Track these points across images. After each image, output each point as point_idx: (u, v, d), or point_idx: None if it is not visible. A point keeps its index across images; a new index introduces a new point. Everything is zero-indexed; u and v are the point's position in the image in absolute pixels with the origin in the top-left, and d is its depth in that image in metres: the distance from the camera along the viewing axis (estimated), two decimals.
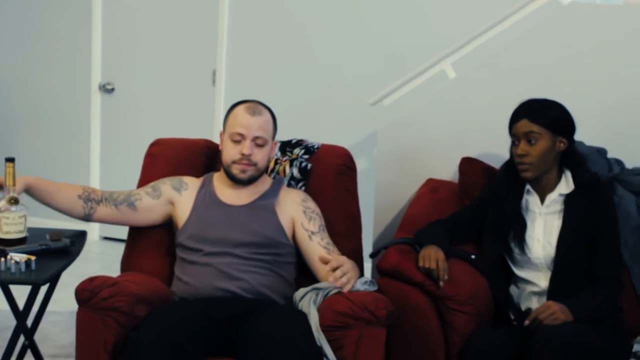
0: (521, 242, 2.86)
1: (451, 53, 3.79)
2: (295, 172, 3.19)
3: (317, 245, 2.87)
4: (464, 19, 4.47)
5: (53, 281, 2.99)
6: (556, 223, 2.84)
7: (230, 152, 2.86)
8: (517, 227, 2.87)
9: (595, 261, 2.77)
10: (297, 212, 2.93)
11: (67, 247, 2.87)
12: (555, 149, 2.81)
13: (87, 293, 2.47)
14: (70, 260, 2.82)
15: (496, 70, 3.56)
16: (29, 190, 2.86)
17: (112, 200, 2.92)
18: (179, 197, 2.95)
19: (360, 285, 2.65)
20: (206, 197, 2.94)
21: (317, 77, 5.08)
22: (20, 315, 2.86)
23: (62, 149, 5.98)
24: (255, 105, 2.89)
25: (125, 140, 5.76)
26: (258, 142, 2.85)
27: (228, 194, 2.93)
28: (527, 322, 2.62)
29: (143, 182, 3.14)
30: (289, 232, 2.91)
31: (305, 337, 2.48)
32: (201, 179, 3.04)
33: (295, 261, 2.94)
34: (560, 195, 2.84)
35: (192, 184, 3.00)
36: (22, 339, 3.10)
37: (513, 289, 2.92)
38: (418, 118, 3.70)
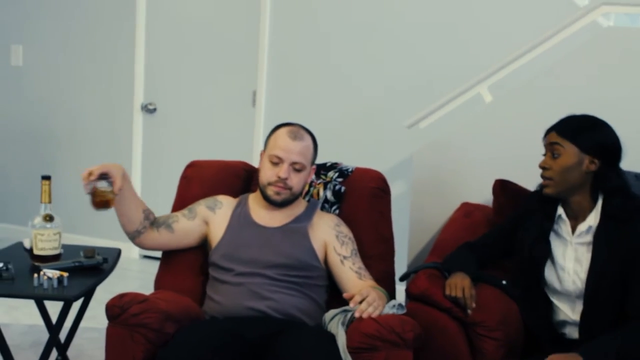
0: (551, 268, 2.76)
1: (488, 76, 3.77)
2: (329, 195, 3.19)
3: (348, 270, 2.88)
4: (501, 42, 4.44)
5: (86, 297, 3.03)
6: (586, 256, 2.70)
7: (267, 173, 2.88)
8: (543, 251, 2.76)
9: (628, 300, 2.60)
10: (329, 236, 2.94)
11: (100, 264, 2.91)
12: (581, 168, 2.65)
13: (117, 309, 2.49)
14: (102, 277, 2.86)
15: (532, 94, 3.54)
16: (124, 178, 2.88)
17: (156, 223, 2.96)
18: (214, 215, 2.97)
19: (388, 309, 2.64)
20: (241, 217, 2.96)
21: (355, 100, 5.08)
22: (52, 329, 2.89)
23: None
24: (297, 130, 2.90)
25: (166, 160, 5.81)
26: (296, 167, 2.86)
27: (262, 216, 2.95)
28: None
29: (178, 203, 3.18)
30: (320, 255, 2.91)
31: (332, 358, 2.47)
32: (237, 199, 3.06)
33: (326, 284, 2.95)
34: (590, 227, 2.69)
35: (227, 203, 3.02)
36: (55, 354, 3.15)
37: (548, 313, 2.82)
38: (454, 141, 3.69)
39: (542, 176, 2.71)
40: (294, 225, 2.93)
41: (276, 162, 2.85)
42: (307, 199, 3.17)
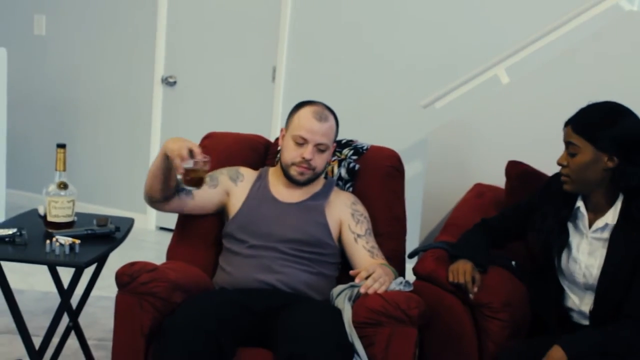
0: (559, 256, 2.72)
1: (505, 58, 3.77)
2: (343, 172, 3.20)
3: (361, 248, 2.89)
4: (521, 24, 4.42)
5: (99, 265, 3.05)
6: (601, 251, 2.63)
7: (291, 154, 2.88)
8: (559, 240, 2.71)
9: (627, 298, 2.54)
10: (345, 214, 2.95)
11: (112, 232, 2.93)
12: (599, 166, 2.53)
13: (126, 277, 2.52)
14: (114, 245, 2.88)
15: (550, 77, 3.52)
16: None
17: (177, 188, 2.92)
18: (235, 187, 2.98)
19: (395, 286, 2.65)
20: (260, 191, 2.97)
21: (373, 78, 5.09)
22: (63, 295, 2.92)
23: (123, 139, 6.10)
24: (322, 110, 2.89)
25: (185, 133, 5.73)
26: (320, 148, 2.87)
27: (281, 191, 2.96)
28: None
29: None
30: (335, 233, 2.93)
31: (337, 332, 2.50)
32: (258, 171, 3.08)
33: (338, 262, 2.96)
34: (607, 224, 2.61)
35: (248, 175, 3.03)
36: (67, 320, 3.19)
37: (558, 297, 2.79)
38: (469, 122, 3.69)
39: (561, 172, 2.63)
40: (311, 203, 2.95)
41: (301, 142, 2.85)
42: (322, 176, 3.18)
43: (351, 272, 2.72)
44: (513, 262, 2.88)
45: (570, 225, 2.72)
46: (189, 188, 2.74)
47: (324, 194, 2.99)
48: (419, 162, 4.44)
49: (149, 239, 5.74)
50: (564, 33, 3.64)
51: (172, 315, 2.50)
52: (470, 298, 2.67)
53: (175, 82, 5.87)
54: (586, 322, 2.71)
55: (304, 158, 2.84)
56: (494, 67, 3.79)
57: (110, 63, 6.04)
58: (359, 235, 2.92)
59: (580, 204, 2.68)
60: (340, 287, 2.71)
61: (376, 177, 3.21)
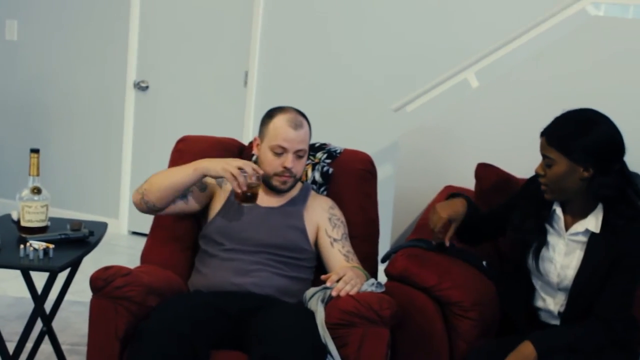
0: (536, 256, 2.74)
1: (475, 62, 3.82)
2: (317, 176, 3.23)
3: (337, 253, 2.92)
4: (490, 29, 4.48)
5: (72, 270, 3.07)
6: (577, 253, 2.66)
7: (272, 164, 2.89)
8: (537, 240, 2.73)
9: (600, 298, 2.58)
10: (323, 218, 2.97)
11: (86, 237, 2.95)
12: (576, 176, 2.53)
13: (101, 282, 2.53)
14: (88, 250, 2.90)
15: (519, 81, 3.58)
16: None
17: None
18: (220, 190, 3.00)
19: (367, 287, 2.69)
20: None
21: (344, 83, 5.13)
22: (37, 300, 2.93)
23: (95, 144, 6.09)
24: (295, 117, 2.89)
25: (157, 138, 5.85)
26: (299, 154, 2.89)
27: (260, 196, 2.91)
28: None
29: None
30: (312, 237, 2.96)
31: (310, 334, 2.52)
32: None
33: (314, 265, 2.99)
34: (588, 230, 2.62)
35: None
36: (41, 325, 3.19)
37: (528, 297, 2.84)
38: (440, 125, 3.74)
39: (539, 182, 2.64)
40: (290, 208, 2.97)
41: (280, 152, 2.86)
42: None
43: (322, 277, 2.74)
44: (484, 262, 2.92)
45: (547, 226, 2.75)
46: (245, 205, 2.82)
47: (302, 198, 3.02)
48: (390, 165, 4.49)
49: (122, 244, 5.73)
50: (532, 37, 3.70)
51: (147, 318, 2.51)
52: (439, 238, 2.79)
53: (147, 87, 5.88)
54: (555, 322, 2.76)
55: (285, 167, 2.86)
56: (463, 71, 3.84)
57: (82, 68, 6.03)
58: (335, 240, 2.94)
59: (556, 206, 2.70)
60: (312, 289, 2.73)
61: (350, 180, 3.25)
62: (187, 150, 3.27)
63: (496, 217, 2.91)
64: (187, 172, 2.80)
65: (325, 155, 3.28)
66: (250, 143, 3.20)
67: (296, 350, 2.42)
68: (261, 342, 2.46)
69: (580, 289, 2.65)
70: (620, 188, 2.54)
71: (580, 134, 2.50)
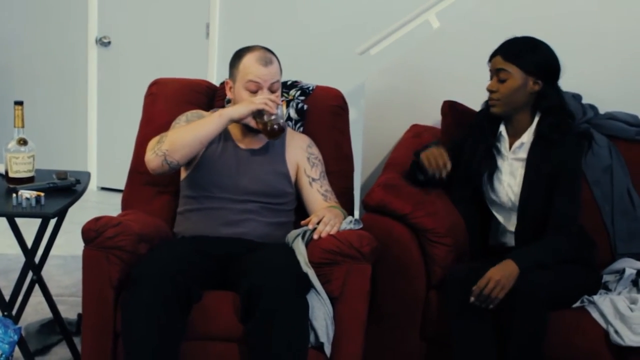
0: (491, 181, 2.96)
1: (435, 3, 3.91)
2: (292, 113, 3.26)
3: (316, 192, 2.97)
4: None
5: (59, 219, 3.14)
6: (520, 171, 2.92)
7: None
8: (488, 165, 2.96)
9: (550, 211, 2.83)
10: (302, 158, 3.01)
11: (73, 185, 3.02)
12: (526, 90, 2.84)
13: (92, 232, 2.59)
14: (77, 196, 2.96)
15: (479, 21, 3.68)
16: None
17: None
18: None
19: (346, 225, 2.78)
20: (222, 136, 2.95)
21: (307, 31, 5.23)
22: (30, 249, 2.99)
23: (60, 102, 6.10)
24: (264, 54, 2.89)
25: (122, 93, 5.88)
26: (273, 89, 2.88)
27: (240, 137, 2.98)
28: (472, 299, 2.64)
29: (145, 121, 3.25)
30: (293, 179, 3.00)
31: (294, 265, 2.64)
32: (210, 113, 3.00)
33: (296, 206, 3.04)
34: (522, 143, 2.91)
35: None
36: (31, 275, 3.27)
37: (488, 224, 3.05)
38: (403, 67, 3.82)
39: (490, 98, 2.89)
40: (272, 150, 2.98)
41: (254, 89, 2.85)
42: None
43: (302, 222, 2.81)
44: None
45: (494, 151, 2.98)
46: (273, 139, 2.85)
47: (281, 137, 2.96)
48: (357, 107, 4.58)
49: (92, 199, 5.77)
50: None
51: (140, 264, 2.58)
52: (442, 176, 2.89)
53: (109, 43, 5.90)
54: (512, 243, 2.96)
55: None
56: (424, 12, 3.94)
57: (43, 27, 6.02)
58: (313, 179, 2.99)
59: (502, 128, 2.95)
60: (294, 232, 2.82)
61: (324, 117, 3.30)
62: (160, 92, 3.29)
63: (454, 153, 3.04)
64: (212, 122, 2.78)
65: (298, 92, 3.33)
66: (222, 84, 3.20)
67: (281, 278, 2.51)
68: (247, 274, 2.54)
69: (526, 204, 2.88)
70: (559, 102, 2.89)
71: (532, 51, 2.85)
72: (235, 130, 2.99)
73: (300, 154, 3.02)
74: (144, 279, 2.49)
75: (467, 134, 3.07)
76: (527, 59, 2.83)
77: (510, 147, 2.95)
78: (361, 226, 2.82)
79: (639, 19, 3.52)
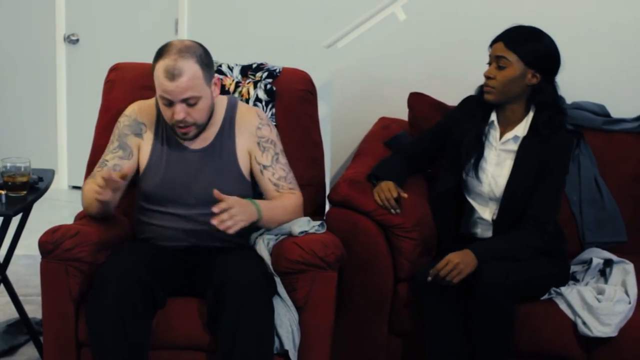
0: (475, 169, 2.91)
1: None
2: (261, 93, 3.17)
3: (267, 182, 2.76)
4: None
5: (23, 216, 3.10)
6: (507, 162, 2.88)
7: (165, 115, 2.63)
8: (475, 151, 2.91)
9: (531, 205, 2.81)
10: (252, 143, 2.76)
11: (35, 182, 2.98)
12: (524, 81, 2.79)
13: (50, 245, 2.51)
14: (39, 195, 2.93)
15: (444, 13, 3.67)
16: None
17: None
18: (142, 141, 2.76)
19: (306, 227, 2.71)
20: (164, 138, 2.75)
21: (274, 25, 5.22)
22: None
23: (29, 101, 6.04)
24: (173, 65, 2.51)
25: (91, 91, 5.79)
26: (190, 102, 2.57)
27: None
28: (429, 278, 2.65)
29: (103, 109, 3.16)
30: (246, 171, 2.79)
31: (260, 264, 2.60)
32: (153, 109, 2.78)
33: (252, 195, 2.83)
34: (517, 137, 2.86)
35: (148, 120, 2.77)
36: None
37: (463, 213, 3.01)
38: (371, 59, 3.82)
39: (485, 84, 2.83)
40: (221, 144, 2.75)
41: (167, 103, 2.57)
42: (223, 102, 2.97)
43: (215, 192, 2.51)
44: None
45: (484, 138, 2.94)
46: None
47: (229, 122, 2.77)
48: (324, 100, 4.56)
49: (63, 198, 5.74)
50: None
51: (103, 267, 2.50)
52: (397, 212, 2.83)
53: (77, 40, 5.85)
54: (490, 234, 2.94)
55: (177, 120, 2.58)
56: (390, 5, 3.94)
57: (10, 25, 5.95)
58: (264, 167, 2.76)
59: (494, 117, 2.91)
60: (254, 234, 2.76)
61: (292, 103, 3.21)
62: (117, 79, 3.20)
63: (435, 139, 3.06)
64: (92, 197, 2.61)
65: (265, 74, 3.23)
66: None
67: (247, 276, 2.47)
68: (213, 274, 2.51)
69: (511, 196, 2.85)
70: (554, 98, 2.85)
71: (534, 41, 2.80)
72: None
73: (251, 139, 2.76)
74: (107, 283, 2.42)
75: (456, 118, 3.02)
76: (529, 48, 2.77)
77: (501, 137, 2.92)
78: (324, 230, 2.75)
79: (602, 6, 3.53)
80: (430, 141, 3.08)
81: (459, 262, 2.64)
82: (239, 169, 2.77)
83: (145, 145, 2.75)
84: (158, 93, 2.58)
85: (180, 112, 2.55)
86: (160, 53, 2.57)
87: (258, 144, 2.78)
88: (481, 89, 2.90)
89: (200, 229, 2.72)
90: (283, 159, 2.83)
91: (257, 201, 2.67)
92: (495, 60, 2.80)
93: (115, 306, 2.39)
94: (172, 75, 2.50)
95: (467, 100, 3.01)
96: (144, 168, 2.75)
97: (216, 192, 2.51)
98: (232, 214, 2.49)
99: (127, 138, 2.75)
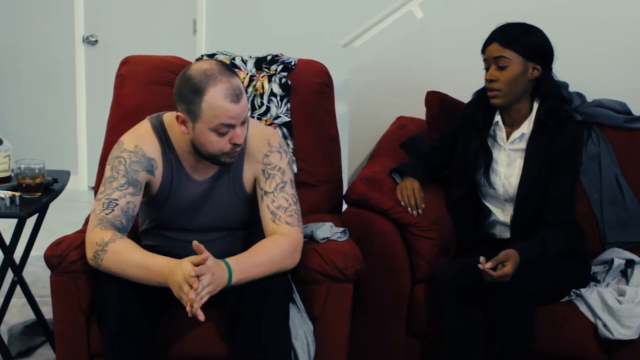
0: (487, 173, 2.87)
1: None
2: (276, 88, 3.13)
3: (265, 209, 2.55)
4: None
5: (39, 218, 3.10)
6: (518, 161, 2.84)
7: (218, 145, 2.41)
8: (483, 157, 2.87)
9: (547, 204, 2.75)
10: (257, 170, 2.59)
11: (50, 184, 2.97)
12: (527, 76, 2.74)
13: (55, 259, 2.46)
14: (53, 196, 2.92)
15: (461, 11, 3.66)
16: None
17: (122, 229, 2.44)
18: (153, 178, 2.56)
19: (328, 233, 2.69)
20: (173, 169, 2.58)
21: (291, 25, 5.20)
22: (7, 249, 2.97)
23: (48, 102, 6.07)
24: (233, 86, 2.36)
25: (111, 91, 5.79)
26: (244, 121, 2.44)
27: (194, 165, 2.58)
28: (483, 268, 2.53)
29: (114, 105, 3.14)
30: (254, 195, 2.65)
31: (281, 280, 2.47)
32: (155, 141, 2.56)
33: None
34: (523, 134, 2.82)
35: (156, 155, 2.56)
36: (12, 276, 3.23)
37: (479, 216, 2.98)
38: (388, 58, 3.80)
39: (490, 88, 2.77)
40: (229, 173, 2.61)
41: (225, 131, 2.39)
42: (249, 95, 3.05)
43: (194, 244, 2.28)
44: None
45: (490, 142, 2.90)
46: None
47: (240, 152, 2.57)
48: (341, 100, 4.55)
49: (83, 199, 5.76)
50: None
51: (108, 281, 2.38)
52: (418, 213, 2.81)
53: (96, 41, 5.86)
54: (507, 235, 2.90)
55: (236, 144, 2.42)
56: (407, 3, 3.92)
57: (30, 25, 5.97)
58: (266, 193, 2.56)
59: (498, 118, 2.87)
60: None
61: (308, 96, 3.15)
62: (129, 73, 3.15)
63: (445, 148, 3.03)
64: (151, 279, 2.34)
65: (280, 67, 3.18)
66: (197, 60, 2.95)
67: (270, 293, 2.39)
68: (239, 293, 2.40)
69: (525, 195, 2.80)
70: (557, 87, 2.82)
71: (527, 34, 2.76)
72: (187, 160, 2.57)
73: (256, 166, 2.59)
74: (112, 300, 2.35)
75: (458, 127, 2.99)
76: (525, 43, 2.74)
77: (508, 137, 2.86)
78: (346, 238, 2.71)
79: (626, 6, 3.48)
80: (442, 152, 3.06)
81: (509, 273, 2.54)
82: (247, 194, 2.63)
83: (155, 181, 2.58)
84: (217, 122, 2.36)
85: (241, 134, 2.41)
86: (206, 82, 2.34)
87: (263, 171, 2.59)
88: (479, 95, 2.89)
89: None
90: (290, 189, 2.60)
91: (232, 261, 2.37)
92: (494, 62, 2.75)
93: (125, 319, 2.33)
94: (236, 96, 2.35)
95: (470, 105, 2.98)
96: (151, 197, 2.61)
97: (195, 244, 2.28)
98: (204, 284, 2.25)
99: (138, 175, 2.52)
